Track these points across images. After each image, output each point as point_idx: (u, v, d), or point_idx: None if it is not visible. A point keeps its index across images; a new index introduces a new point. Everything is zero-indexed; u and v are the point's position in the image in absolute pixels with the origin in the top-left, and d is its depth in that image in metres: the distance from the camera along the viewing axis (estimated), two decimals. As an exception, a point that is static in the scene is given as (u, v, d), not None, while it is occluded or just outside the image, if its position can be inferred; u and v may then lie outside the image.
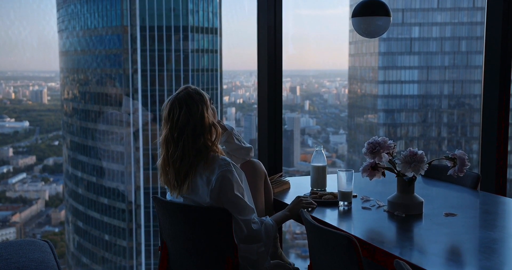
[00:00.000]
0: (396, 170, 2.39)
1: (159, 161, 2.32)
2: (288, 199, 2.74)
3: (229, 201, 2.24)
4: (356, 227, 2.38)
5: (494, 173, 3.52)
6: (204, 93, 2.34)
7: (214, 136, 2.29)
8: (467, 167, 2.38)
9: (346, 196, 2.53)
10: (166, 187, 2.38)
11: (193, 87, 2.33)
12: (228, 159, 2.28)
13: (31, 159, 58.31)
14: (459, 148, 2.51)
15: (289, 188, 2.95)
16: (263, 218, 2.37)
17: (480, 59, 3.62)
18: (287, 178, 3.05)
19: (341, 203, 2.55)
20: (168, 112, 2.27)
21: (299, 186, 3.01)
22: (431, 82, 57.95)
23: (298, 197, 2.53)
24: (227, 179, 2.22)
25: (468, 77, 56.79)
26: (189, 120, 2.23)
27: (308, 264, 2.17)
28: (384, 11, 3.00)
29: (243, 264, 2.31)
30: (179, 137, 2.24)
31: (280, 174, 3.01)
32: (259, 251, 2.30)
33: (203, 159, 2.25)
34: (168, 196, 2.45)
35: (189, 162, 2.24)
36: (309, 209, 2.49)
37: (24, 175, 56.82)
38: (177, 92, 2.32)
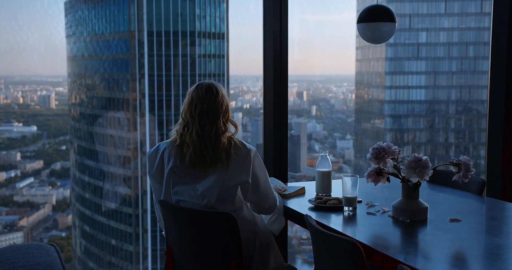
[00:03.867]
0: (401, 176, 2.39)
1: (188, 137, 2.40)
2: (295, 204, 2.74)
3: (260, 172, 2.48)
4: (360, 233, 2.38)
5: (500, 179, 3.51)
6: None
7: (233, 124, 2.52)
8: (472, 172, 2.37)
9: (351, 201, 2.54)
10: (186, 166, 2.41)
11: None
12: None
13: (38, 164, 58.51)
14: (466, 154, 2.51)
15: (304, 193, 2.96)
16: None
17: (487, 64, 3.61)
18: (297, 184, 3.08)
19: (346, 208, 2.55)
20: (206, 92, 2.43)
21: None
22: (438, 87, 57.77)
23: None
24: (258, 156, 2.49)
25: (476, 83, 56.58)
26: (222, 104, 2.44)
27: (313, 269, 2.17)
28: (389, 17, 3.01)
29: (264, 240, 2.50)
30: (215, 117, 2.41)
31: (285, 189, 2.98)
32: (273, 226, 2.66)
33: (232, 140, 2.45)
34: (173, 198, 2.45)
35: (223, 141, 2.40)
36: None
37: (31, 179, 57.00)
38: (202, 82, 2.50)
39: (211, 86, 2.45)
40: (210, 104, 2.40)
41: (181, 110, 2.50)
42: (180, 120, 2.47)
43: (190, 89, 2.48)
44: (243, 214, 2.45)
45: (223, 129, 2.42)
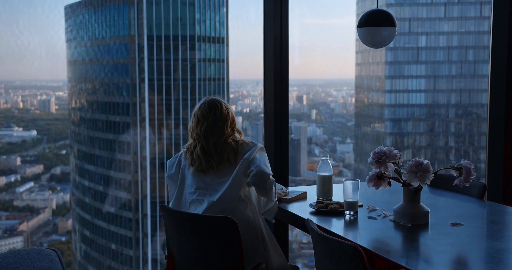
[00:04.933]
0: (402, 180, 2.39)
1: (195, 154, 2.65)
2: (296, 208, 2.74)
3: (261, 157, 2.62)
4: (362, 237, 2.38)
5: (501, 183, 3.51)
6: None
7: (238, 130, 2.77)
8: (473, 176, 2.37)
9: (352, 205, 2.54)
10: (196, 170, 2.64)
11: None
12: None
13: (38, 168, 58.53)
14: (466, 158, 2.51)
15: (305, 198, 2.96)
16: None
17: (487, 68, 3.62)
18: (298, 188, 3.08)
19: (347, 212, 2.55)
20: (209, 109, 2.67)
21: (305, 195, 3.01)
22: (438, 91, 57.81)
23: None
24: (263, 151, 2.68)
25: (476, 86, 56.62)
26: (228, 113, 2.68)
27: (314, 273, 2.17)
28: (389, 22, 3.01)
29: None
30: (222, 126, 2.65)
31: (287, 192, 2.99)
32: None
33: (239, 141, 2.68)
34: (186, 206, 2.63)
35: (230, 144, 2.64)
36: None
37: (31, 184, 57.00)
38: (204, 98, 2.74)
39: (213, 101, 2.69)
40: (216, 117, 2.65)
41: (189, 131, 2.73)
42: (190, 139, 2.73)
43: (194, 111, 2.72)
44: (247, 211, 2.57)
45: (230, 134, 2.66)
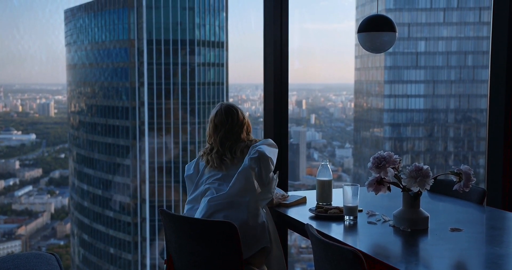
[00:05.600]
0: (402, 185, 2.39)
1: (210, 157, 2.80)
2: (296, 213, 2.74)
3: (268, 147, 2.73)
4: (361, 242, 2.38)
5: (500, 188, 3.50)
6: None
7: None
8: (473, 182, 2.37)
9: (351, 210, 2.53)
10: (209, 169, 2.80)
11: None
12: None
13: (37, 172, 58.45)
14: (465, 163, 2.52)
15: (305, 202, 2.95)
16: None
17: (486, 74, 3.62)
18: (298, 193, 3.07)
19: (346, 217, 2.55)
20: (226, 116, 2.80)
21: (304, 200, 3.00)
22: (437, 96, 57.87)
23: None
24: (271, 144, 2.79)
25: (475, 92, 56.68)
26: (244, 118, 2.83)
27: (314, 278, 2.16)
28: (389, 27, 3.02)
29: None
30: (239, 132, 2.79)
31: (286, 196, 2.99)
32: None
33: (252, 142, 2.81)
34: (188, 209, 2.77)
35: (241, 146, 2.77)
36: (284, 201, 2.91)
37: (30, 187, 56.93)
38: (218, 105, 2.89)
39: (229, 108, 2.83)
40: (233, 123, 2.79)
41: (207, 136, 2.88)
42: (207, 144, 2.87)
43: (211, 117, 2.84)
44: (253, 200, 2.65)
45: (245, 138, 2.82)
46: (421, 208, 2.41)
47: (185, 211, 2.79)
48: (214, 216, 2.58)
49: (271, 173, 2.68)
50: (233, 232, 2.25)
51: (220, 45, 46.99)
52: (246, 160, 2.67)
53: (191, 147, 45.05)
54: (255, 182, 2.64)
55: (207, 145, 2.86)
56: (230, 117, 2.79)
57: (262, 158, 2.65)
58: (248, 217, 2.58)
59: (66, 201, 55.57)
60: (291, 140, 63.17)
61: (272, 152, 2.74)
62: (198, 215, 2.64)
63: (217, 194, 2.66)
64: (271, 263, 2.70)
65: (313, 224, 2.49)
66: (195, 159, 2.93)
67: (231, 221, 2.29)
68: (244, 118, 2.84)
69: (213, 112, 2.85)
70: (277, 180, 2.76)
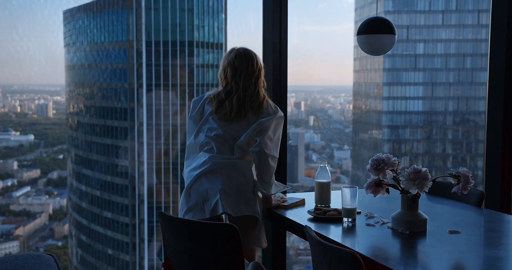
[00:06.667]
0: (400, 187, 2.39)
1: (228, 102, 2.73)
2: (294, 215, 2.74)
3: (276, 128, 2.73)
4: (360, 244, 2.38)
5: (498, 191, 3.51)
6: None
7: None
8: (471, 184, 2.37)
9: (350, 212, 2.53)
10: (216, 119, 2.74)
11: None
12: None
13: (35, 173, 58.41)
14: (464, 165, 2.51)
15: (303, 204, 2.95)
16: None
17: (485, 76, 3.63)
18: (296, 195, 3.07)
19: (345, 219, 2.55)
20: (246, 59, 2.74)
21: (303, 202, 3.00)
22: (436, 98, 57.94)
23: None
24: (282, 122, 2.79)
25: (473, 94, 56.77)
26: (261, 65, 2.79)
27: (312, 280, 2.16)
28: (389, 29, 3.02)
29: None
30: (258, 78, 2.76)
31: (284, 199, 2.98)
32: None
33: (265, 99, 2.78)
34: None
35: (261, 95, 2.77)
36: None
37: (28, 188, 56.87)
38: (234, 49, 2.79)
39: (249, 52, 2.76)
40: (254, 68, 2.73)
41: (221, 80, 2.79)
42: (221, 88, 2.78)
43: (228, 60, 2.75)
44: (248, 167, 2.71)
45: (263, 86, 2.79)
46: (419, 211, 2.41)
47: (185, 174, 2.78)
48: (216, 173, 2.66)
49: (271, 167, 2.72)
50: (235, 235, 2.25)
51: (219, 47, 47.01)
52: (252, 135, 2.68)
53: (190, 149, 44.96)
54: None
55: (221, 89, 2.78)
56: (251, 61, 2.74)
57: (262, 156, 2.69)
58: (247, 181, 2.67)
59: (64, 202, 55.53)
60: (290, 141, 63.18)
61: (278, 135, 2.76)
62: (198, 169, 2.69)
63: (218, 154, 2.69)
64: (251, 239, 2.73)
65: (312, 226, 2.49)
66: (201, 98, 2.84)
67: (232, 224, 2.28)
68: (262, 65, 2.80)
69: (229, 55, 2.77)
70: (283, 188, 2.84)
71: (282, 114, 2.81)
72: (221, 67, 2.81)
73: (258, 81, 2.75)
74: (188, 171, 2.74)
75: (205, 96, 2.83)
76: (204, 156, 2.71)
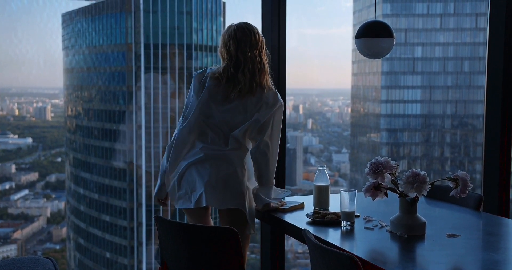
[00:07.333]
0: (399, 191, 2.39)
1: (240, 74, 2.64)
2: (293, 218, 2.74)
3: (275, 125, 2.69)
4: (358, 247, 2.38)
5: (497, 194, 3.51)
6: None
7: None
8: (470, 188, 2.37)
9: (348, 216, 2.53)
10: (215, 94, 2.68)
11: None
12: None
13: (33, 176, 58.30)
14: (462, 169, 2.51)
15: (302, 208, 2.94)
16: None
17: (483, 79, 3.63)
18: (295, 198, 3.07)
19: (343, 223, 2.54)
20: (248, 30, 2.67)
21: (301, 205, 3.00)
22: (434, 101, 58.02)
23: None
24: (282, 111, 2.73)
25: (471, 97, 56.85)
26: (263, 37, 2.72)
27: (311, 284, 2.16)
28: (387, 33, 3.02)
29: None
30: (261, 49, 2.69)
31: (283, 203, 2.97)
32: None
33: (268, 82, 2.71)
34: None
35: (266, 69, 2.70)
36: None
37: (26, 191, 56.75)
38: (233, 25, 2.71)
39: (249, 24, 2.70)
40: (256, 38, 2.67)
41: (225, 54, 2.68)
42: (225, 63, 2.68)
43: (229, 34, 2.67)
44: (241, 159, 2.69)
45: (267, 59, 2.71)
46: (418, 214, 2.41)
47: (171, 157, 2.77)
48: (205, 164, 2.65)
49: (272, 165, 2.73)
50: (235, 238, 2.24)
51: (218, 50, 47.08)
52: (251, 126, 2.65)
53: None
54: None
55: (225, 63, 2.69)
56: (252, 31, 2.67)
57: (263, 158, 2.69)
58: (236, 172, 2.64)
59: (62, 205, 55.42)
60: (288, 145, 63.08)
61: (279, 128, 2.73)
62: (190, 159, 2.68)
63: (211, 145, 2.67)
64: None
65: (310, 229, 2.49)
66: (204, 73, 2.75)
67: (232, 227, 2.28)
68: (263, 37, 2.72)
69: (229, 30, 2.69)
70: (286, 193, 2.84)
71: (282, 101, 2.74)
72: (221, 43, 2.72)
73: (262, 53, 2.68)
74: (175, 159, 2.74)
75: (209, 71, 2.73)
76: (196, 146, 2.70)
